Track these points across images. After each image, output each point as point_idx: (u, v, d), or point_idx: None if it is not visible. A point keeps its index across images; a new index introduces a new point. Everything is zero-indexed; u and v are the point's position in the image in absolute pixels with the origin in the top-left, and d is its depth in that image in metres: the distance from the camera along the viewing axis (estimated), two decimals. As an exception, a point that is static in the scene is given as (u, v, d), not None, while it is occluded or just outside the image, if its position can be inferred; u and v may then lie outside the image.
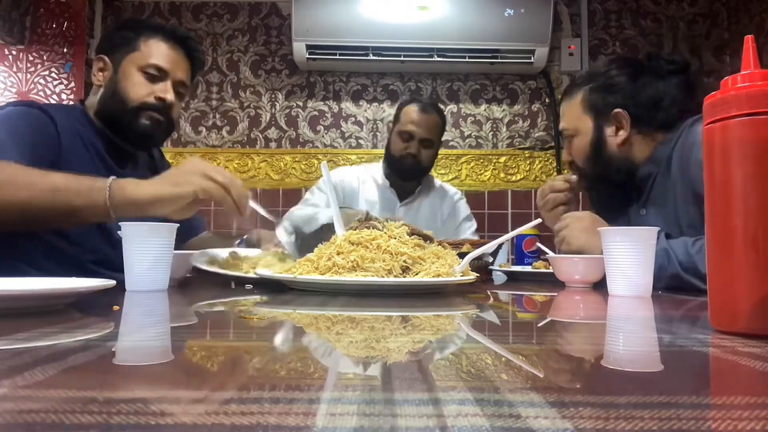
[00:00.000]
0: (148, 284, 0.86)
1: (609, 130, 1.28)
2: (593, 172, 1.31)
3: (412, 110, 1.99)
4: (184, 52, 1.32)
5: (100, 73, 1.29)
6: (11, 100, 2.57)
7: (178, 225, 0.92)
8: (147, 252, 0.86)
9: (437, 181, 2.20)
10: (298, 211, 1.85)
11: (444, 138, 2.76)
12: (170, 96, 1.27)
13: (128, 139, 1.29)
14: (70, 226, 1.12)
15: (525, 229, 1.12)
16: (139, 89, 1.25)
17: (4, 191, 0.93)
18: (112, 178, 0.99)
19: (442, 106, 2.77)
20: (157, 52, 1.27)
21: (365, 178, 2.10)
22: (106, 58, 1.29)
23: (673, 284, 1.02)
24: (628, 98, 1.26)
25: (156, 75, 1.26)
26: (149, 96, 1.25)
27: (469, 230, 2.09)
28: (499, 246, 1.22)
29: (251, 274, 1.03)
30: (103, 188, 0.96)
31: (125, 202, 0.96)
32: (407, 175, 2.03)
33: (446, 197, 2.13)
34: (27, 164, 1.02)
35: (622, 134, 1.26)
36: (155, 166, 1.43)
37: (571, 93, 1.34)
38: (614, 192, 1.33)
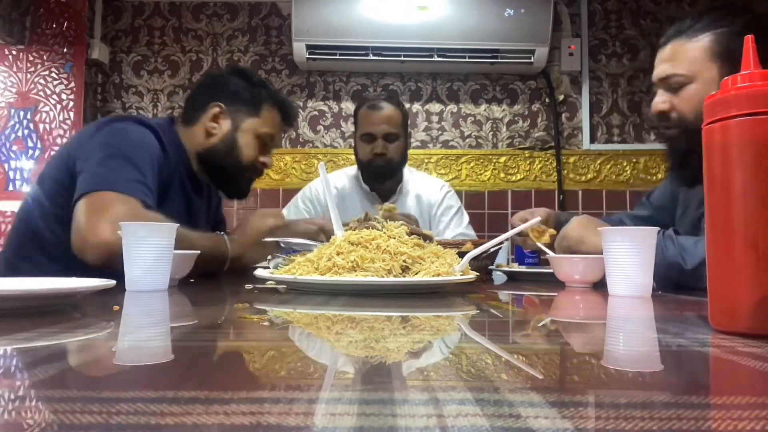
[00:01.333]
0: (148, 284, 0.86)
1: None
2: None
3: (365, 111, 1.95)
4: (286, 120, 1.47)
5: (214, 121, 1.36)
6: (11, 100, 2.57)
7: (178, 226, 0.92)
8: (147, 252, 0.86)
9: (420, 174, 2.13)
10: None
11: (444, 138, 2.78)
12: (271, 164, 1.44)
13: (221, 185, 1.43)
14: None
15: (525, 228, 1.12)
16: (252, 153, 1.38)
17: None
18: (226, 238, 1.22)
19: (441, 106, 2.78)
20: (273, 123, 1.41)
21: (344, 184, 2.04)
22: (224, 108, 1.36)
23: (670, 274, 1.00)
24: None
25: (267, 143, 1.40)
26: (257, 160, 1.39)
27: (461, 225, 2.00)
28: (499, 246, 1.22)
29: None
30: (225, 250, 1.20)
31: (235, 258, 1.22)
32: (382, 176, 1.97)
33: (432, 192, 2.04)
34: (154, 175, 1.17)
35: None
36: (212, 202, 1.54)
37: (691, 34, 1.14)
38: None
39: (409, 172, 2.09)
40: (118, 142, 1.17)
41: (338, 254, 0.87)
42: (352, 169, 2.10)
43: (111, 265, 0.99)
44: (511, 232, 1.08)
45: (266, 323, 0.60)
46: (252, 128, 1.37)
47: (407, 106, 2.66)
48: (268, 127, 1.39)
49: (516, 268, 1.47)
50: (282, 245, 1.24)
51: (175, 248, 0.90)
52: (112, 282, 0.68)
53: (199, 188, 1.41)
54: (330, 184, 1.11)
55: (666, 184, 1.45)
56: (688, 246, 1.01)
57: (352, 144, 2.10)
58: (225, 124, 1.36)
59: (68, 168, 1.18)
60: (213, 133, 1.36)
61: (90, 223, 1.04)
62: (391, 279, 0.83)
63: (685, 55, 1.14)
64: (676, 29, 1.17)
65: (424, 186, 2.06)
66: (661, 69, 1.17)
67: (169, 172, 1.27)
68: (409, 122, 2.12)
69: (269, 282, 1.03)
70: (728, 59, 1.10)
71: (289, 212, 2.01)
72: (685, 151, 1.14)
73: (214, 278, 1.30)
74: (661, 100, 1.17)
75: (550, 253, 1.13)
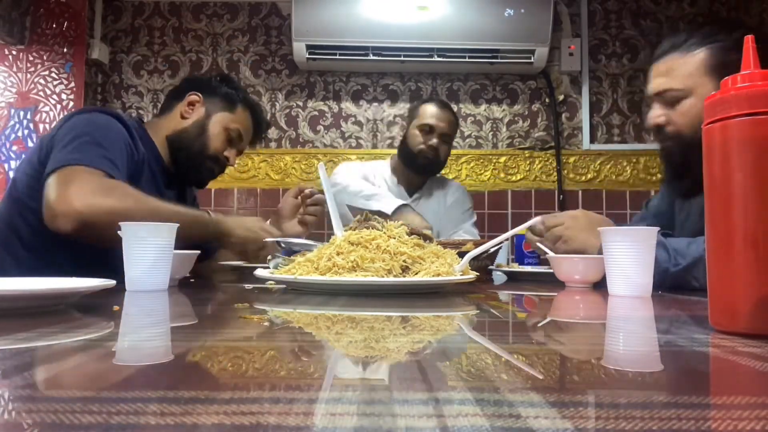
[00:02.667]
0: (149, 284, 0.86)
1: None
2: (700, 143, 1.14)
3: (432, 106, 2.06)
4: (257, 127, 1.53)
5: (190, 107, 1.43)
6: (11, 100, 2.57)
7: (178, 225, 0.92)
8: (147, 252, 0.86)
9: (442, 177, 2.26)
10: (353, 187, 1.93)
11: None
12: (234, 162, 1.48)
13: (184, 172, 1.45)
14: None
15: (524, 227, 1.12)
16: (220, 144, 1.43)
17: (132, 216, 0.95)
18: (213, 214, 1.28)
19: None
20: (245, 124, 1.48)
21: (375, 173, 2.14)
22: (200, 98, 1.43)
23: (669, 281, 1.01)
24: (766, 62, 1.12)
25: (234, 139, 1.45)
26: (221, 153, 1.44)
27: (469, 221, 2.10)
28: (499, 246, 1.22)
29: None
30: (210, 222, 1.26)
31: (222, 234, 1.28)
32: (425, 169, 2.07)
33: (450, 188, 2.17)
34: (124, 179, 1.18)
35: None
36: (186, 196, 1.57)
37: (686, 49, 1.14)
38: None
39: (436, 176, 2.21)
40: (85, 126, 1.20)
41: (338, 254, 0.87)
42: (378, 164, 2.20)
43: (83, 234, 1.05)
44: (510, 233, 1.08)
45: (266, 323, 0.60)
46: (223, 120, 1.43)
47: (407, 106, 2.67)
48: (239, 124, 1.45)
49: (516, 268, 1.47)
50: (282, 245, 1.24)
51: (150, 220, 0.92)
52: (112, 282, 0.68)
53: (171, 182, 1.44)
54: (329, 184, 1.11)
55: (664, 191, 1.46)
56: (680, 248, 1.01)
57: (402, 135, 2.14)
58: (199, 111, 1.42)
59: (40, 160, 1.20)
60: (186, 116, 1.42)
61: (58, 194, 1.06)
62: (391, 279, 0.83)
63: (680, 70, 1.14)
64: (671, 44, 1.17)
65: (445, 182, 2.21)
66: (656, 83, 1.18)
67: (139, 159, 1.28)
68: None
69: (269, 282, 1.03)
70: (724, 73, 1.09)
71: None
72: (682, 163, 1.15)
73: (205, 278, 1.30)
74: (656, 114, 1.18)
75: (550, 253, 1.13)
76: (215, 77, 1.52)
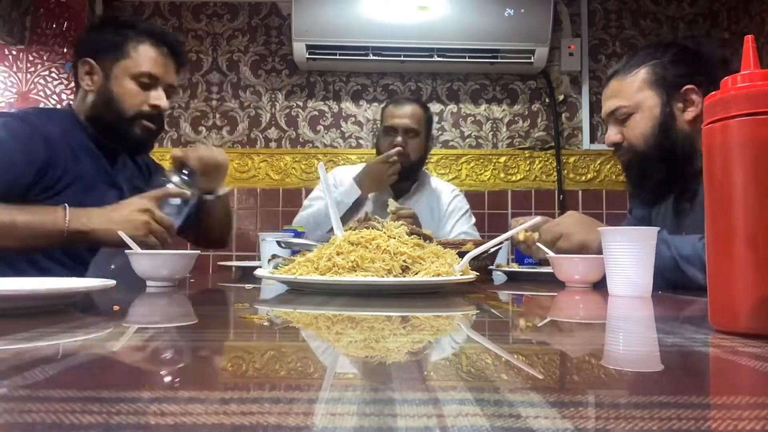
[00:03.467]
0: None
1: (678, 106, 1.20)
2: (652, 152, 1.22)
3: (391, 107, 2.04)
4: (169, 51, 1.32)
5: (88, 77, 1.27)
6: (11, 100, 2.57)
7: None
8: None
9: (434, 180, 2.19)
10: (303, 214, 1.90)
11: (444, 138, 2.77)
12: (164, 103, 1.28)
13: (121, 145, 1.32)
14: (29, 250, 1.19)
15: (524, 227, 1.12)
16: (133, 99, 1.26)
17: None
18: (68, 210, 1.11)
19: (441, 106, 2.78)
20: (148, 59, 1.27)
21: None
22: (92, 63, 1.27)
23: (670, 274, 1.01)
24: (701, 74, 1.18)
25: (148, 83, 1.27)
26: (143, 105, 1.26)
27: (467, 225, 2.07)
28: (499, 246, 1.22)
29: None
30: (61, 221, 1.09)
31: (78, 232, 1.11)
32: (401, 171, 2.00)
33: (443, 193, 2.12)
34: (5, 180, 1.12)
35: (693, 111, 1.18)
36: (141, 164, 1.47)
37: (627, 70, 1.26)
38: (662, 181, 1.24)
39: (424, 175, 2.14)
40: None
41: (338, 254, 0.87)
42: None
43: None
44: (510, 232, 1.08)
45: (266, 323, 0.60)
46: (124, 71, 1.25)
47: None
48: (142, 65, 1.26)
49: (516, 268, 1.47)
50: (282, 245, 1.24)
51: None
52: (112, 282, 0.68)
53: (115, 159, 1.35)
54: (330, 184, 1.11)
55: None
56: (678, 243, 1.04)
57: (375, 144, 2.16)
58: (97, 78, 1.27)
59: None
60: (89, 88, 1.27)
61: None
62: (391, 279, 0.83)
63: (625, 89, 1.26)
64: (614, 69, 1.30)
65: (436, 188, 2.13)
66: (607, 105, 1.29)
67: (61, 158, 1.21)
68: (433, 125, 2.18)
69: (269, 282, 1.03)
70: (663, 86, 1.22)
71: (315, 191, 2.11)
72: (640, 174, 1.27)
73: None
74: (612, 133, 1.29)
75: (550, 253, 1.13)
76: (96, 26, 1.36)
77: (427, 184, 2.13)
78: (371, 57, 2.61)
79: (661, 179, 1.24)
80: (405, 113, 1.99)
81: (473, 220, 2.12)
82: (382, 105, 2.12)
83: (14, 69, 2.60)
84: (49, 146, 1.20)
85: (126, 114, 1.26)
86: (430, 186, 2.13)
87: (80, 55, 1.28)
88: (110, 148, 1.33)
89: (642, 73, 1.24)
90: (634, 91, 1.24)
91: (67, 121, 1.28)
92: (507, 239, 1.17)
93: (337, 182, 2.08)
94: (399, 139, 1.96)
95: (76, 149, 1.25)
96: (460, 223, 2.07)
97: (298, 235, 1.82)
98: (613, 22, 2.78)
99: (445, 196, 2.12)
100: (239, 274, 1.55)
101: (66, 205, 1.12)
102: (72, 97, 2.58)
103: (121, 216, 1.13)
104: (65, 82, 2.60)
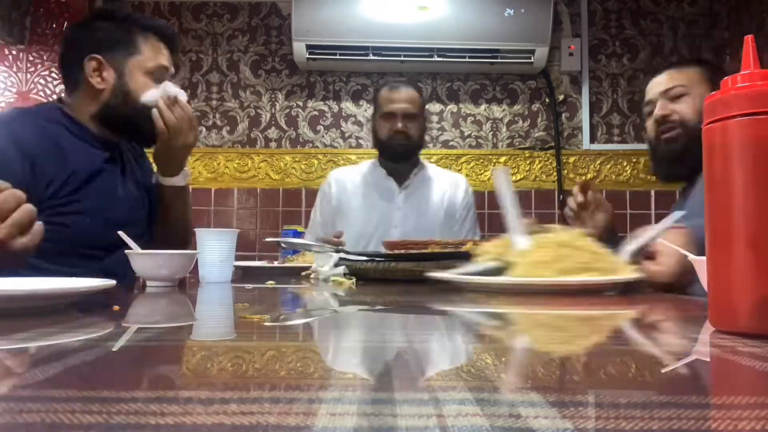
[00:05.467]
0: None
1: None
2: (700, 132, 1.23)
3: (386, 91, 2.03)
4: (170, 42, 1.34)
5: (96, 75, 1.26)
6: (11, 100, 2.57)
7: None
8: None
9: (432, 167, 2.17)
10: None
11: (444, 138, 2.77)
12: (182, 94, 1.30)
13: (137, 138, 1.34)
14: None
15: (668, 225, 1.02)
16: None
17: None
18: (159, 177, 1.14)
19: (441, 106, 2.78)
20: (159, 53, 1.30)
21: (360, 174, 2.10)
22: (101, 59, 1.26)
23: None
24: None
25: (160, 76, 1.30)
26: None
27: (474, 226, 2.08)
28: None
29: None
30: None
31: None
32: (401, 154, 2.01)
33: (452, 182, 2.10)
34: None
35: None
36: (138, 153, 1.45)
37: (684, 64, 1.43)
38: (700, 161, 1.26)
39: (422, 163, 2.13)
40: None
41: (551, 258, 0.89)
42: (365, 164, 2.16)
43: None
44: (660, 226, 1.01)
45: (266, 323, 0.60)
46: (138, 68, 1.27)
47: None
48: (155, 59, 1.29)
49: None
50: (283, 245, 1.24)
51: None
52: (112, 282, 0.68)
53: (113, 155, 1.32)
54: (508, 187, 1.09)
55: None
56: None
57: (371, 128, 2.15)
58: (109, 75, 1.26)
59: None
60: (100, 86, 1.26)
61: None
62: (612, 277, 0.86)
63: (683, 75, 1.38)
64: (666, 66, 1.45)
65: (444, 178, 2.12)
66: (663, 82, 1.39)
67: (62, 147, 1.20)
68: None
69: (269, 282, 1.03)
70: (713, 87, 1.26)
71: (314, 213, 2.13)
72: (684, 149, 1.35)
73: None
74: (662, 106, 1.37)
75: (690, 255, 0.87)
76: (93, 20, 1.34)
77: (429, 171, 2.13)
78: (371, 57, 2.61)
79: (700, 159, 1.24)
80: (402, 98, 1.99)
81: (476, 219, 2.14)
82: (378, 88, 2.12)
83: (14, 69, 2.60)
84: (36, 148, 1.16)
85: (145, 107, 1.27)
86: (434, 174, 2.13)
87: (83, 52, 1.27)
88: (105, 140, 1.30)
89: (698, 70, 1.38)
90: (692, 78, 1.36)
91: (60, 119, 1.26)
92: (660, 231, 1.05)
93: (338, 183, 2.09)
94: (400, 125, 1.95)
95: (66, 146, 1.22)
96: (470, 224, 2.08)
97: (297, 235, 1.82)
98: (613, 22, 2.78)
99: (456, 183, 2.10)
100: (239, 273, 1.55)
101: None
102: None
103: None
104: (65, 82, 2.60)
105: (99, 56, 1.26)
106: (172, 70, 1.35)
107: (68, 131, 1.26)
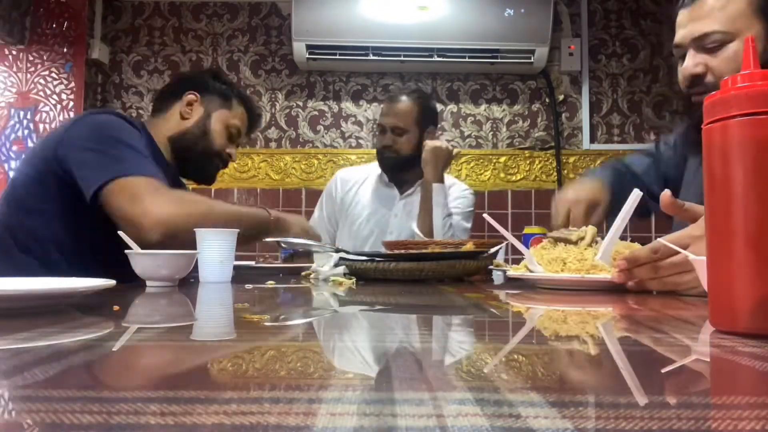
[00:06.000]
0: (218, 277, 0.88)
1: None
2: None
3: (384, 104, 2.07)
4: (251, 119, 1.57)
5: (189, 108, 1.45)
6: (11, 100, 2.57)
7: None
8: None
9: (448, 178, 2.12)
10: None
11: (444, 138, 2.77)
12: (235, 158, 1.53)
13: (191, 171, 1.49)
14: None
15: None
16: (222, 141, 1.47)
17: (206, 220, 1.12)
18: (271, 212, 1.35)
19: (441, 106, 2.78)
20: (242, 118, 1.52)
21: (366, 177, 2.11)
22: (199, 97, 1.45)
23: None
24: None
25: (233, 135, 1.49)
26: (224, 149, 1.48)
27: (464, 220, 2.01)
28: (500, 246, 1.21)
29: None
30: (270, 221, 1.31)
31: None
32: (389, 168, 2.02)
33: (450, 190, 2.06)
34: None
35: None
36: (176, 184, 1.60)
37: None
38: None
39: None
40: (111, 131, 1.22)
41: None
42: (373, 166, 2.16)
43: (167, 242, 1.07)
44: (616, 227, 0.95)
45: (266, 323, 0.60)
46: (223, 118, 1.46)
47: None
48: (238, 120, 1.49)
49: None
50: (283, 245, 1.25)
51: (222, 225, 1.08)
52: (112, 282, 0.68)
53: (175, 181, 1.45)
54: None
55: (678, 140, 1.33)
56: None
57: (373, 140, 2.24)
58: (198, 111, 1.45)
59: (46, 160, 1.20)
60: (186, 117, 1.44)
61: (136, 207, 1.10)
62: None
63: (724, 10, 1.02)
64: None
65: (448, 185, 2.08)
66: (695, 28, 1.06)
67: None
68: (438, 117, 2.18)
69: (269, 282, 1.03)
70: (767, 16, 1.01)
71: (319, 210, 2.17)
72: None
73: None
74: (694, 63, 1.05)
75: (691, 255, 0.79)
76: (208, 74, 1.54)
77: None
78: (371, 57, 2.61)
79: None
80: (392, 112, 2.00)
81: (470, 224, 2.05)
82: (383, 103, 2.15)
83: (14, 69, 2.60)
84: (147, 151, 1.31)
85: (213, 150, 1.45)
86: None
87: (187, 88, 1.46)
88: (171, 170, 1.45)
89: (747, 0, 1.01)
90: (736, 15, 1.01)
91: (145, 134, 1.39)
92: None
93: (343, 182, 2.09)
94: (387, 139, 1.97)
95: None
96: (456, 215, 1.98)
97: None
98: (613, 22, 2.78)
99: (453, 191, 2.07)
100: (239, 274, 1.55)
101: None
102: (72, 97, 2.58)
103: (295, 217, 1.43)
104: (65, 82, 2.60)
105: (198, 94, 1.45)
106: (244, 139, 1.58)
107: (151, 145, 1.39)
